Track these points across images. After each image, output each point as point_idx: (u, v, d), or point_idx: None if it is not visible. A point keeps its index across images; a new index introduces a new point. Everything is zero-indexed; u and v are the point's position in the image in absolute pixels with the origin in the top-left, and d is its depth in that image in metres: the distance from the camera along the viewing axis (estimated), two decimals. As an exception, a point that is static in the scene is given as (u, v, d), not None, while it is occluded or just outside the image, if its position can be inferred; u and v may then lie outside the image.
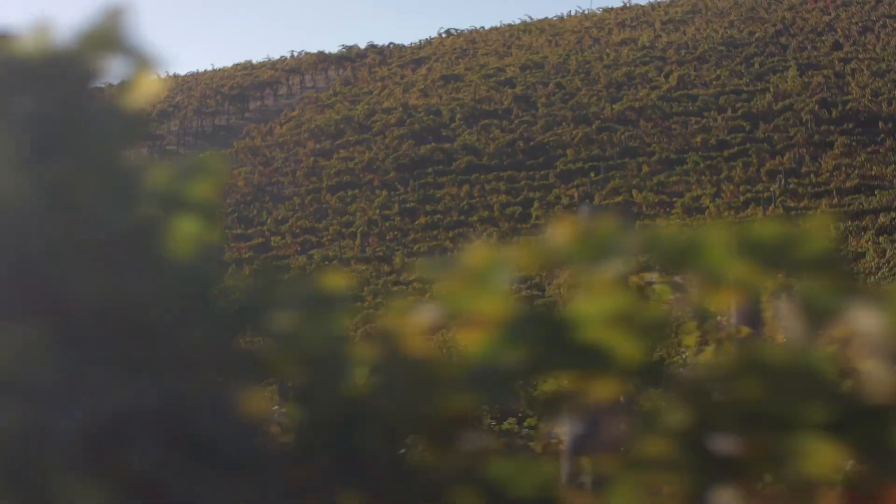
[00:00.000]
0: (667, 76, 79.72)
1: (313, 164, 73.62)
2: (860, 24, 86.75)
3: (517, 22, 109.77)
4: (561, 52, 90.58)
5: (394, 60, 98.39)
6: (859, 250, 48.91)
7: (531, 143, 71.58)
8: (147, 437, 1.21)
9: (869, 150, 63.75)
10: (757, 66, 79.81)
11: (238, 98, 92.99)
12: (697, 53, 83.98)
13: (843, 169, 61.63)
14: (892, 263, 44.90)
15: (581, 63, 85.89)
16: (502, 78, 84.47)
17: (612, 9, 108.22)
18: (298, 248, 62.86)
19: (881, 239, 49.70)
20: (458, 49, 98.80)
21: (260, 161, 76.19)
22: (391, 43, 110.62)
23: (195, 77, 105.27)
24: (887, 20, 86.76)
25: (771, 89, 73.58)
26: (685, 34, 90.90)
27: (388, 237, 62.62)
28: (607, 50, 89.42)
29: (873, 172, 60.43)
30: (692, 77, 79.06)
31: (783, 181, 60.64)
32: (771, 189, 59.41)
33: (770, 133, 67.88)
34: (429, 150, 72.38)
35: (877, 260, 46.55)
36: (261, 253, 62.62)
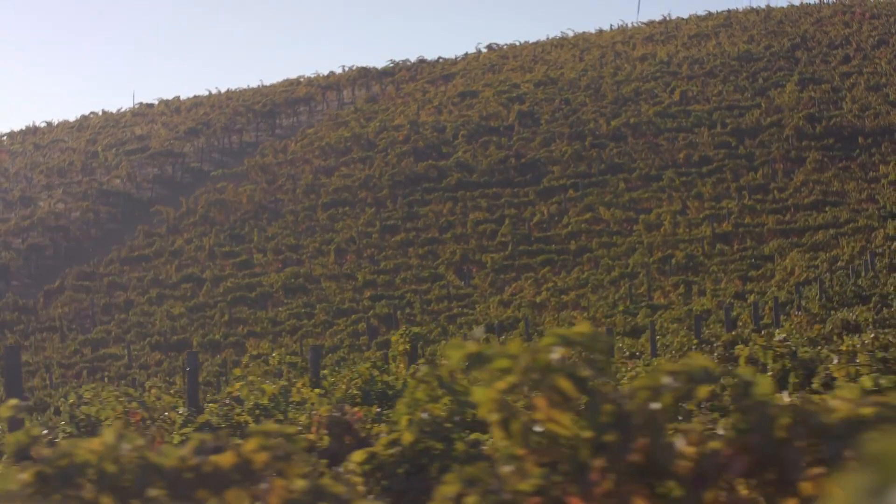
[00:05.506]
0: (671, 92, 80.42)
1: (313, 182, 75.57)
2: (877, 38, 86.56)
3: (558, 36, 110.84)
4: (581, 68, 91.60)
5: (423, 76, 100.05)
6: (780, 266, 49.57)
7: (522, 160, 72.86)
8: None
9: (840, 165, 64.09)
10: (761, 80, 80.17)
11: (268, 115, 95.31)
12: (707, 68, 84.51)
13: (811, 185, 62.07)
14: (793, 281, 45.52)
15: (594, 79, 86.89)
16: (514, 94, 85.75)
17: (651, 22, 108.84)
18: (280, 266, 64.75)
19: (807, 256, 50.25)
20: (487, 64, 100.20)
21: (267, 178, 78.32)
22: (440, 57, 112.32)
23: (240, 93, 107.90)
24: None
25: (763, 105, 74.02)
26: (704, 49, 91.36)
27: (364, 254, 64.29)
28: (625, 65, 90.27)
29: (834, 188, 60.79)
30: (695, 93, 79.71)
31: (747, 197, 61.28)
32: (728, 206, 60.06)
33: (752, 149, 68.45)
34: (424, 167, 73.95)
35: (782, 275, 47.27)
36: (241, 269, 64.70)
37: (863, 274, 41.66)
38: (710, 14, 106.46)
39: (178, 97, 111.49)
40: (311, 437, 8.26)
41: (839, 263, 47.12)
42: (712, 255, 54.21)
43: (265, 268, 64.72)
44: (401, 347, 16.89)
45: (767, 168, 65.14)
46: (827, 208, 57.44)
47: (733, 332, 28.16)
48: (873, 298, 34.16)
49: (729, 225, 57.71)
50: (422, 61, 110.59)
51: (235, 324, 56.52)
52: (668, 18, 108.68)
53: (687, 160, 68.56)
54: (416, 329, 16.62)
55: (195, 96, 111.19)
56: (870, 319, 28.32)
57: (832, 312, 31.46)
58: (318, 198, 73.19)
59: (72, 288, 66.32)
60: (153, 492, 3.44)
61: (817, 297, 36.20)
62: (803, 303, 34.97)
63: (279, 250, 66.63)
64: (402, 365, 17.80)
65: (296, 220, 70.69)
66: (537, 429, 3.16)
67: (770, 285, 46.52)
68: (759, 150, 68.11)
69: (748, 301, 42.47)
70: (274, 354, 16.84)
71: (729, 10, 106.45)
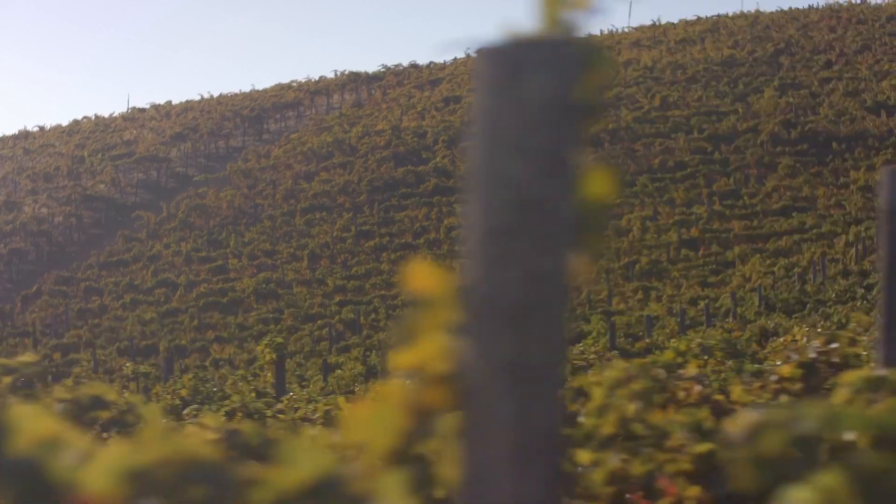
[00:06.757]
0: (651, 97, 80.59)
1: (293, 187, 75.90)
2: (860, 43, 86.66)
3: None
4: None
5: (410, 81, 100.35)
6: (739, 272, 49.88)
7: (500, 166, 73.04)
8: None
9: (812, 171, 64.28)
10: (742, 86, 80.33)
11: (256, 120, 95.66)
12: (689, 74, 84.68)
13: (781, 190, 62.30)
14: (748, 287, 45.79)
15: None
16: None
17: (641, 26, 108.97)
18: (255, 271, 65.06)
19: (767, 262, 50.52)
20: (475, 69, 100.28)
21: (248, 184, 78.66)
22: (431, 62, 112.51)
23: (230, 98, 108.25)
24: (888, 38, 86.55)
25: (740, 110, 74.22)
26: (688, 54, 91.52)
27: (338, 259, 64.62)
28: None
29: (804, 194, 61.01)
30: (675, 98, 79.87)
31: (717, 202, 61.53)
32: (698, 212, 60.32)
33: (728, 154, 68.64)
34: (403, 172, 74.25)
35: (739, 281, 47.59)
36: (215, 275, 65.06)
37: (812, 280, 41.93)
38: (699, 19, 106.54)
39: (170, 102, 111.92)
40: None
41: (795, 269, 47.38)
42: (677, 261, 54.48)
43: (239, 273, 65.06)
44: (267, 357, 17.20)
45: (740, 174, 65.37)
46: (794, 214, 57.67)
47: (647, 341, 28.49)
48: (808, 305, 34.44)
49: (696, 230, 57.96)
50: (413, 66, 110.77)
51: (204, 329, 56.87)
52: (657, 23, 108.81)
53: (662, 166, 68.78)
54: (279, 339, 16.92)
55: (186, 101, 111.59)
56: (791, 326, 28.58)
57: (761, 318, 31.72)
58: (298, 203, 73.53)
59: (49, 293, 66.71)
60: None
61: (756, 303, 36.48)
62: (738, 310, 35.22)
63: (255, 255, 66.97)
64: (269, 374, 18.15)
65: (273, 226, 71.03)
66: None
67: (724, 291, 46.77)
68: (733, 155, 68.31)
69: (699, 307, 42.77)
70: (127, 364, 17.06)
71: (718, 15, 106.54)
